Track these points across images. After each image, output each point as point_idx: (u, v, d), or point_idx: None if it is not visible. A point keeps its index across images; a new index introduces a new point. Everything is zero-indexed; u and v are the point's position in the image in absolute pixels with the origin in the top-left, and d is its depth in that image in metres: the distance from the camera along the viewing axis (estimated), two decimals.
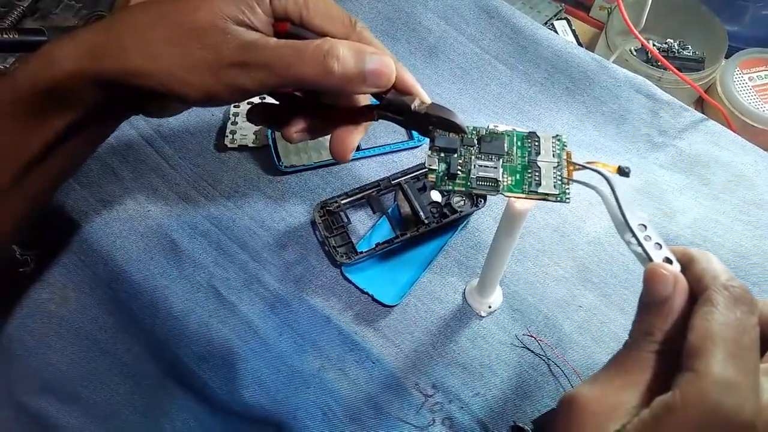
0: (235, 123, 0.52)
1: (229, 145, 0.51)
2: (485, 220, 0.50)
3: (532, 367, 0.44)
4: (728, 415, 0.23)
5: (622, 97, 0.56)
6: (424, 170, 0.49)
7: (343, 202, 0.49)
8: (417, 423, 0.42)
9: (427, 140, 0.35)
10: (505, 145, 0.34)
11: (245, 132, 0.52)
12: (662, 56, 0.59)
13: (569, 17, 0.71)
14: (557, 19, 0.70)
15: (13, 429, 0.46)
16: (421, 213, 0.47)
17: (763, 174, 0.52)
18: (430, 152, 0.34)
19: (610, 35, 0.65)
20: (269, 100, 0.42)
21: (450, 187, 0.33)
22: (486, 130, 0.34)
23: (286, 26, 0.35)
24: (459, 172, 0.33)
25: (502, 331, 0.45)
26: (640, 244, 0.28)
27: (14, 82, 0.33)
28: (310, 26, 0.35)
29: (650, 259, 0.28)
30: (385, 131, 0.54)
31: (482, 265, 0.43)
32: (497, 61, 0.58)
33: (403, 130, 0.54)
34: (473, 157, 0.33)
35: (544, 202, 0.32)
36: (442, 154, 0.33)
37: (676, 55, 0.67)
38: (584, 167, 0.32)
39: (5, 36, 0.41)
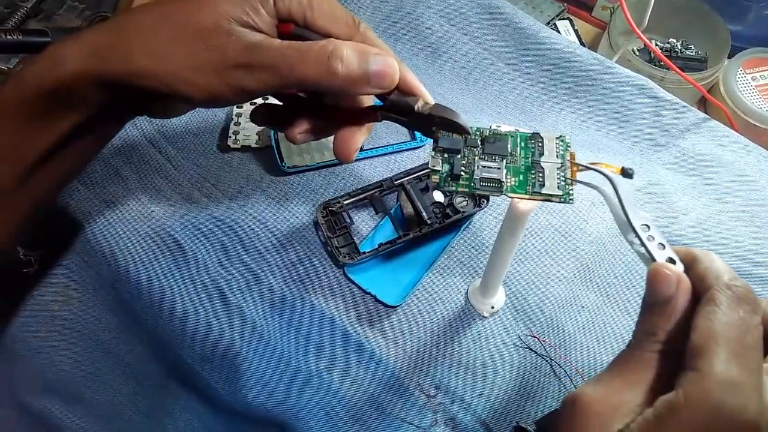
0: (238, 124, 0.52)
1: (232, 146, 0.52)
2: (488, 220, 0.50)
3: (535, 368, 0.44)
4: (731, 415, 0.23)
5: (625, 97, 0.56)
6: (426, 171, 0.49)
7: (345, 202, 0.49)
8: (420, 423, 0.42)
9: (430, 140, 0.35)
10: (509, 145, 0.34)
11: (248, 133, 0.52)
12: (665, 56, 0.59)
13: (572, 17, 0.71)
14: (560, 19, 0.70)
15: (17, 429, 0.46)
16: (424, 213, 0.47)
17: (766, 174, 0.52)
18: (433, 153, 0.34)
19: (613, 35, 0.65)
20: (272, 100, 0.42)
21: (453, 188, 0.33)
22: (489, 131, 0.34)
23: (290, 27, 0.35)
24: (462, 173, 0.33)
25: (504, 331, 0.45)
26: (643, 244, 0.28)
27: (20, 82, 0.33)
28: (313, 27, 0.35)
29: (653, 260, 0.28)
30: (388, 131, 0.54)
31: (485, 265, 0.43)
32: (500, 61, 0.58)
33: (405, 130, 0.54)
34: (477, 157, 0.33)
35: (547, 202, 0.32)
36: (446, 155, 0.33)
37: (679, 54, 0.67)
38: (588, 168, 0.32)
39: (9, 37, 0.41)
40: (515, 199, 0.33)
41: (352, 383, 0.43)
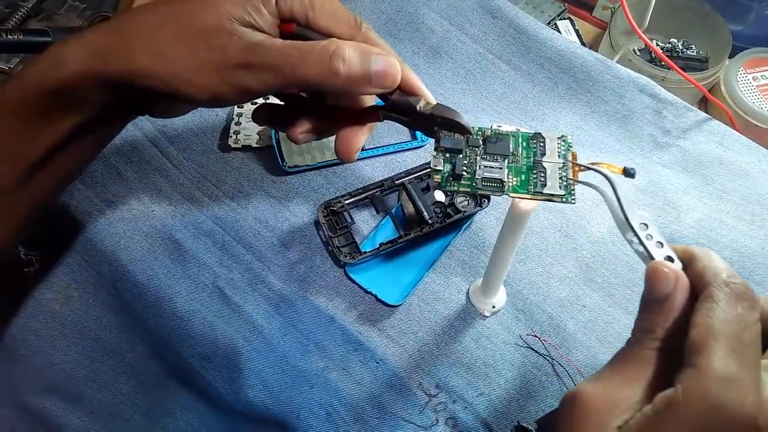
0: (238, 123, 0.52)
1: (233, 146, 0.52)
2: (489, 220, 0.50)
3: (536, 367, 0.44)
4: (729, 410, 0.23)
5: (626, 96, 0.56)
6: (428, 170, 0.49)
7: (346, 202, 0.49)
8: (421, 423, 0.42)
9: (431, 140, 0.35)
10: (511, 145, 0.34)
11: (249, 132, 0.52)
12: (666, 56, 0.59)
13: (572, 17, 0.71)
14: (560, 19, 0.70)
15: (17, 429, 0.46)
16: (425, 213, 0.47)
17: (767, 173, 0.52)
18: (435, 153, 0.34)
19: (614, 35, 0.65)
20: (274, 100, 0.42)
21: (455, 188, 0.33)
22: (491, 131, 0.34)
23: (292, 27, 0.35)
24: (464, 173, 0.33)
25: (506, 331, 0.45)
26: (641, 242, 0.29)
27: (22, 82, 0.33)
28: (315, 27, 0.35)
29: (652, 258, 0.28)
30: (389, 131, 0.54)
31: (486, 265, 0.43)
32: (501, 61, 0.58)
33: (406, 130, 0.54)
34: (478, 157, 0.33)
35: (548, 202, 0.32)
36: (448, 155, 0.33)
37: (680, 54, 0.67)
38: (589, 168, 0.32)
39: (9, 37, 0.41)
40: (517, 199, 0.34)
41: (353, 382, 0.43)
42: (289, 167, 0.50)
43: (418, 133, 0.54)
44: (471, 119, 0.34)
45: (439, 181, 0.33)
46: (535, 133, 0.34)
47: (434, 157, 0.33)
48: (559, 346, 0.45)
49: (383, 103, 0.36)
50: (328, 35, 0.35)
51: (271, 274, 0.47)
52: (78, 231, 0.48)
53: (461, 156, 0.33)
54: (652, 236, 0.29)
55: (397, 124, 0.37)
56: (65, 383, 0.47)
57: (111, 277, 0.47)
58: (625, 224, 0.29)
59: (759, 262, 0.48)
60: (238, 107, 0.53)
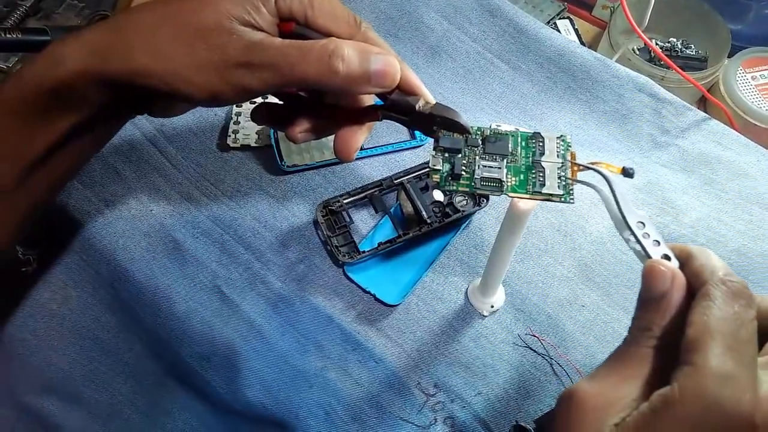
0: (237, 123, 0.52)
1: (232, 145, 0.51)
2: (488, 219, 0.50)
3: (535, 367, 0.44)
4: (726, 408, 0.23)
5: (625, 96, 0.56)
6: (426, 170, 0.49)
7: (345, 201, 0.49)
8: (419, 422, 0.42)
9: (430, 140, 0.35)
10: (510, 145, 0.33)
11: (248, 132, 0.52)
12: (665, 55, 0.59)
13: (572, 16, 0.71)
14: (560, 18, 0.70)
15: (15, 429, 0.46)
16: (424, 212, 0.47)
17: (766, 173, 0.52)
18: (434, 152, 0.33)
19: (613, 34, 0.65)
20: (273, 99, 0.42)
21: (454, 188, 0.33)
22: (490, 131, 0.34)
23: (291, 26, 0.35)
24: (463, 173, 0.33)
25: (504, 330, 0.45)
26: (638, 241, 0.29)
27: (20, 81, 0.33)
28: (314, 26, 0.35)
29: (649, 256, 0.28)
30: (388, 131, 0.54)
31: (485, 264, 0.43)
32: (500, 61, 0.58)
33: (405, 129, 0.54)
34: (477, 157, 0.33)
35: (547, 202, 0.32)
36: (446, 155, 0.33)
37: (679, 54, 0.67)
38: (588, 168, 0.32)
39: (8, 35, 0.41)
40: (515, 199, 0.33)
41: (352, 382, 0.43)
42: (287, 167, 0.50)
43: (417, 133, 0.54)
44: (470, 119, 0.34)
45: (438, 180, 0.33)
46: (534, 133, 0.34)
47: (433, 156, 0.33)
48: (558, 346, 0.45)
49: (382, 103, 0.36)
50: (327, 34, 0.34)
51: (270, 273, 0.47)
52: (76, 230, 0.48)
53: (460, 156, 0.33)
54: (649, 235, 0.29)
55: (396, 124, 0.37)
56: (63, 383, 0.47)
57: (109, 276, 0.47)
58: (622, 222, 0.29)
59: (757, 261, 0.48)
60: (236, 107, 0.53)
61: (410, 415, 0.42)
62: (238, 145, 0.52)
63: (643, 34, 0.57)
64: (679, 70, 0.57)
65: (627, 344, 0.28)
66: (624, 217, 0.29)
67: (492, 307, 0.46)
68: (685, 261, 0.28)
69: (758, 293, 0.27)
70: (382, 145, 0.52)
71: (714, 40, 0.65)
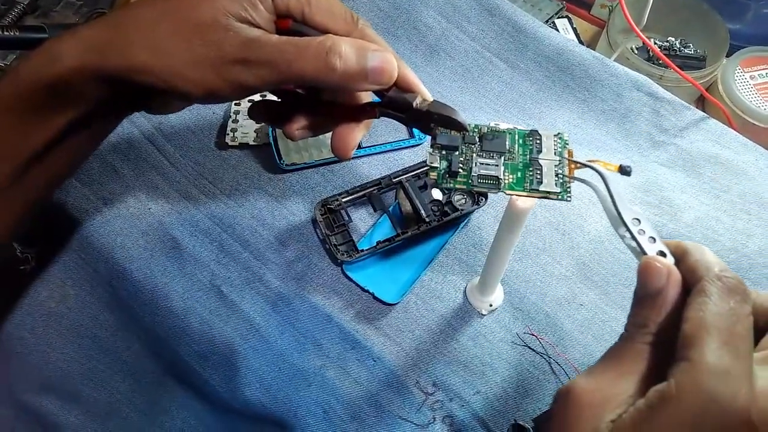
0: (236, 121, 0.52)
1: (230, 143, 0.51)
2: (486, 218, 0.50)
3: (533, 366, 0.44)
4: (722, 403, 0.23)
5: (624, 95, 0.56)
6: (425, 168, 0.49)
7: (344, 200, 0.49)
8: (418, 421, 0.42)
9: (429, 138, 0.35)
10: (507, 143, 0.33)
11: (246, 130, 0.52)
12: (664, 54, 0.59)
13: (570, 15, 0.71)
14: (558, 17, 0.70)
15: (14, 428, 0.46)
16: (422, 211, 0.47)
17: (764, 172, 0.52)
18: (431, 150, 0.33)
19: (612, 33, 0.65)
20: (270, 97, 0.42)
21: (451, 185, 0.33)
22: (487, 128, 0.34)
23: (288, 23, 0.35)
24: (460, 170, 0.32)
25: (503, 329, 0.45)
26: (633, 237, 0.29)
27: (16, 78, 0.33)
28: (312, 23, 0.35)
29: (644, 253, 0.28)
30: (386, 129, 0.53)
31: (483, 263, 0.43)
32: (498, 59, 0.58)
33: (404, 128, 0.54)
34: (475, 155, 0.33)
35: (545, 200, 0.32)
36: (444, 152, 0.33)
37: (678, 53, 0.67)
38: (585, 165, 0.32)
39: (6, 33, 0.41)
40: (514, 197, 0.33)
41: (350, 381, 0.43)
42: (286, 165, 0.50)
43: (416, 131, 0.54)
44: (468, 117, 0.34)
45: (435, 177, 0.33)
46: (532, 131, 0.34)
47: (430, 154, 0.33)
48: (556, 344, 0.44)
49: (380, 100, 0.36)
50: (324, 31, 0.34)
51: (269, 272, 0.47)
52: (74, 229, 0.48)
53: (457, 153, 0.33)
54: (644, 231, 0.29)
55: (395, 123, 0.37)
56: (61, 381, 0.46)
57: (107, 275, 0.47)
58: (618, 219, 0.29)
59: (755, 260, 0.48)
60: (235, 105, 0.53)
61: (409, 413, 0.42)
62: (237, 144, 0.52)
63: (641, 33, 0.57)
64: (678, 70, 0.57)
65: (623, 341, 0.28)
66: (619, 214, 0.29)
67: (490, 305, 0.46)
68: (681, 257, 0.28)
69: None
70: (380, 144, 0.52)
71: (712, 39, 0.66)
